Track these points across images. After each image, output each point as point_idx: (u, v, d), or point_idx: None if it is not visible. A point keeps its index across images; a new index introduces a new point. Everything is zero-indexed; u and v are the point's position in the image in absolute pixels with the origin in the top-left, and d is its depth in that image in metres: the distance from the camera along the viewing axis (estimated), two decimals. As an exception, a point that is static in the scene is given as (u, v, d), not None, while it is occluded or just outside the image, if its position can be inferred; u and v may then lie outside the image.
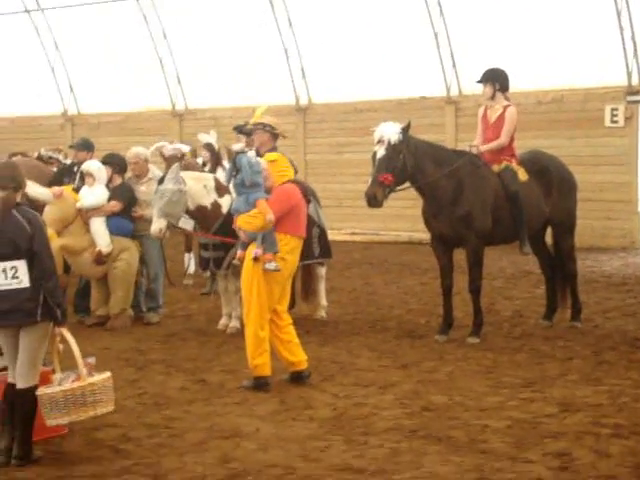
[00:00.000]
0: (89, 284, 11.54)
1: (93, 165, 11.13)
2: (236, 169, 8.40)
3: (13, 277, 6.26)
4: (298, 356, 8.47)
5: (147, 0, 20.86)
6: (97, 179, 10.99)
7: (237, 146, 8.73)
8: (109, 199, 11.04)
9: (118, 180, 11.33)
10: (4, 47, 22.51)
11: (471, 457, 6.39)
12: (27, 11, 22.08)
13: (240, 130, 11.73)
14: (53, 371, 6.67)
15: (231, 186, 8.95)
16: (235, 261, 9.01)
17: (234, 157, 8.45)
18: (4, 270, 6.24)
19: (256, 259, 8.14)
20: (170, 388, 8.51)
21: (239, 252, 8.53)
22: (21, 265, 6.26)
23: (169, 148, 12.94)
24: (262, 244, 8.16)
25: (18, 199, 6.35)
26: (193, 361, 9.47)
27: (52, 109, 22.60)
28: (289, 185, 8.43)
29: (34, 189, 10.14)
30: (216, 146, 13.04)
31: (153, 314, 11.45)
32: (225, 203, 10.41)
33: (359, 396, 8.05)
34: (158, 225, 10.10)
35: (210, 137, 13.18)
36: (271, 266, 8.14)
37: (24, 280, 6.27)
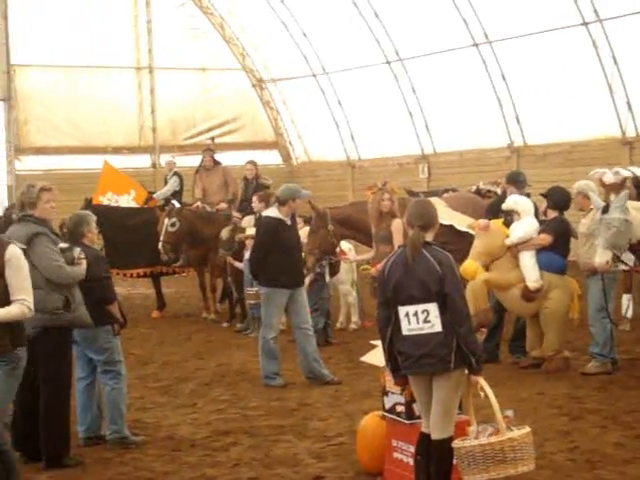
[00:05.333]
0: (525, 324, 11.00)
1: (510, 201, 10.60)
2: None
3: (425, 321, 5.90)
4: None
5: (596, 26, 20.02)
6: (521, 212, 10.46)
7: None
8: (540, 232, 10.45)
9: (552, 214, 10.69)
10: (453, 81, 22.82)
11: None
12: (475, 45, 22.21)
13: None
14: (469, 422, 6.22)
15: None
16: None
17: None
18: (415, 314, 5.91)
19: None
20: (605, 443, 7.70)
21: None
22: (432, 308, 5.88)
23: (610, 175, 11.99)
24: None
25: (429, 238, 6.00)
26: (632, 413, 8.54)
27: (498, 142, 22.46)
28: None
29: (459, 221, 9.89)
30: None
31: (593, 363, 10.39)
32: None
33: None
34: (604, 257, 9.32)
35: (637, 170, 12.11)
36: None
37: (436, 324, 5.89)
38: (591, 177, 11.65)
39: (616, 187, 11.31)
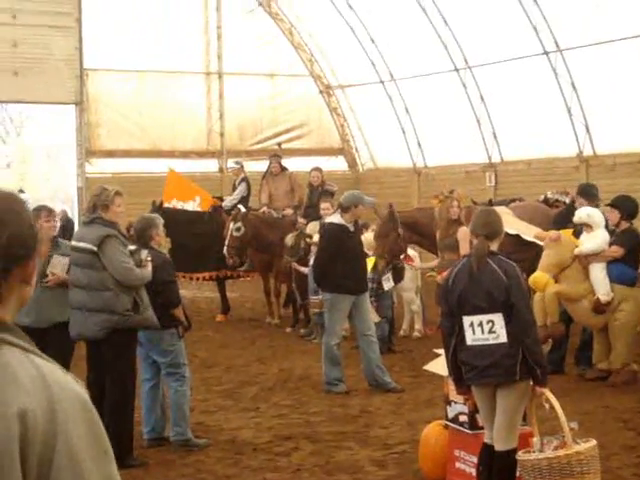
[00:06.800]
0: (592, 335, 10.86)
1: (582, 214, 10.45)
2: None
3: (490, 332, 5.86)
4: None
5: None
6: (592, 225, 10.31)
7: None
8: (611, 244, 10.29)
9: (624, 225, 10.53)
10: (522, 89, 22.63)
11: None
12: (545, 53, 22.01)
13: None
14: (532, 434, 6.15)
15: None
16: None
17: None
18: (480, 324, 5.87)
19: None
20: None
21: None
22: (498, 319, 5.84)
23: None
24: None
25: (494, 248, 5.95)
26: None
27: (567, 151, 22.19)
28: None
29: (525, 231, 9.80)
30: None
31: None
32: None
33: None
34: None
35: None
36: None
37: (501, 335, 5.85)
38: None
39: None
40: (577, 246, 10.33)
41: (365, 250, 11.53)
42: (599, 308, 10.24)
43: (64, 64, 23.68)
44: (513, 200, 14.54)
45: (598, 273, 10.26)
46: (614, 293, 10.23)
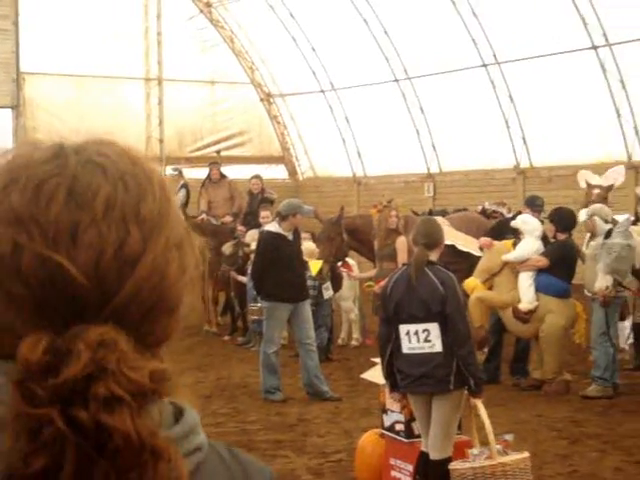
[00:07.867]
0: (527, 345, 10.99)
1: (518, 220, 10.70)
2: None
3: (425, 340, 5.91)
4: None
5: (605, 50, 20.06)
6: (525, 232, 10.48)
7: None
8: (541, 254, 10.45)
9: (561, 237, 10.67)
10: (460, 101, 22.85)
11: None
12: (484, 65, 22.26)
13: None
14: (469, 444, 6.21)
15: None
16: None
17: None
18: (416, 332, 5.92)
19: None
20: (604, 468, 7.69)
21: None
22: (433, 328, 5.89)
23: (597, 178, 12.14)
24: None
25: (433, 257, 6.00)
26: (632, 438, 8.52)
27: (504, 162, 22.46)
28: None
29: (461, 242, 9.94)
30: None
31: (594, 386, 10.30)
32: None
33: None
34: (604, 282, 9.36)
35: None
36: None
37: (437, 344, 5.90)
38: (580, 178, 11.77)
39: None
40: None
41: (305, 258, 11.54)
42: (519, 316, 10.35)
43: (0, 67, 23.36)
44: (459, 210, 14.67)
45: (523, 282, 10.40)
46: (540, 304, 10.32)
